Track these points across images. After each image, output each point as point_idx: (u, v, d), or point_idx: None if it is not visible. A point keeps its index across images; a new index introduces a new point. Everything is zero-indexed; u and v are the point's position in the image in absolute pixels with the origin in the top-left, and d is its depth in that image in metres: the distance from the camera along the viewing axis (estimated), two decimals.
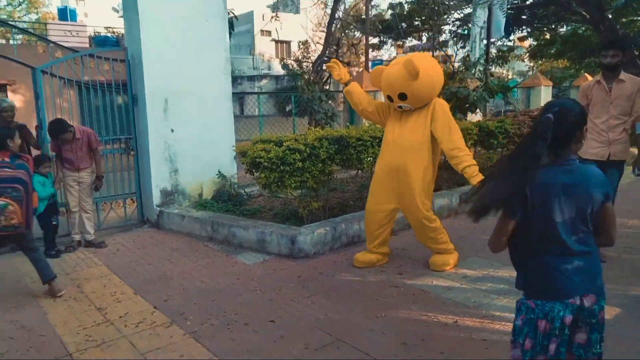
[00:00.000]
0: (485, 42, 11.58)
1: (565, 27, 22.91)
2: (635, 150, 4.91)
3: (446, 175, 6.74)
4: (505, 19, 11.88)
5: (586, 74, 14.52)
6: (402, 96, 3.97)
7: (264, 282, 4.14)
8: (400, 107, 4.08)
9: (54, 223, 5.06)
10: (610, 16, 15.83)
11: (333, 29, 11.90)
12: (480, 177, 3.75)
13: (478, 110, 8.36)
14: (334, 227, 5.00)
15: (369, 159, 5.41)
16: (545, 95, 11.92)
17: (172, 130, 6.11)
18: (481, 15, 11.10)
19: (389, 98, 4.12)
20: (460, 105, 6.91)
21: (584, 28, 21.51)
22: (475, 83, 8.21)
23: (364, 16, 18.06)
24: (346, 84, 4.43)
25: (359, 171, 6.35)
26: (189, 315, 3.51)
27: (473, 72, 10.22)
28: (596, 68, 23.98)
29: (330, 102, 10.73)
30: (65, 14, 23.56)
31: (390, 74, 4.10)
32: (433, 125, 3.98)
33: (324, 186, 5.71)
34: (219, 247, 5.17)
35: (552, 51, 24.76)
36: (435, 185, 5.05)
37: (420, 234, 4.35)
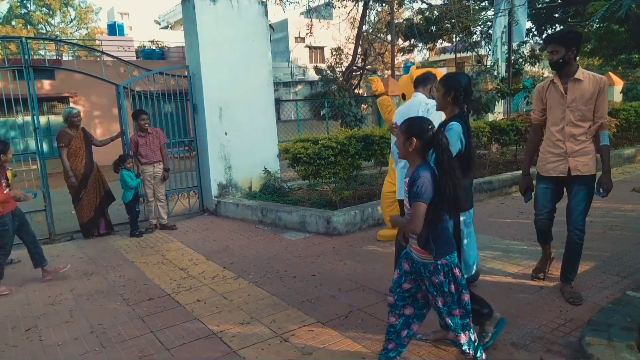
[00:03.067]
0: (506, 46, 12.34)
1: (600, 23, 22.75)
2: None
3: None
4: (526, 23, 12.59)
5: (610, 73, 14.92)
6: (404, 96, 5.11)
7: (306, 252, 5.21)
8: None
9: (137, 210, 6.31)
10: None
11: (360, 41, 12.95)
12: None
13: (498, 109, 9.21)
14: (362, 211, 6.03)
15: (390, 153, 6.39)
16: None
17: (226, 134, 7.29)
18: (501, 21, 11.87)
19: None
20: (474, 107, 7.82)
21: (617, 25, 21.35)
22: (491, 85, 9.07)
23: (395, 21, 19.03)
24: (379, 95, 5.53)
25: (382, 165, 7.32)
26: (251, 272, 4.62)
27: (495, 74, 11.04)
28: (628, 65, 23.98)
29: (362, 105, 11.72)
30: (114, 29, 25.33)
31: (402, 79, 5.36)
32: None
33: (354, 179, 6.75)
34: (268, 228, 6.29)
35: (586, 49, 24.90)
36: None
37: None
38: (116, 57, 6.96)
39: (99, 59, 7.81)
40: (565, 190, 3.65)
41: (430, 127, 2.46)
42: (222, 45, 7.21)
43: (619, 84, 13.74)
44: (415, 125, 2.49)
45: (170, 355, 3.12)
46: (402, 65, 27.85)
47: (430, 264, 2.52)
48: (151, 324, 3.60)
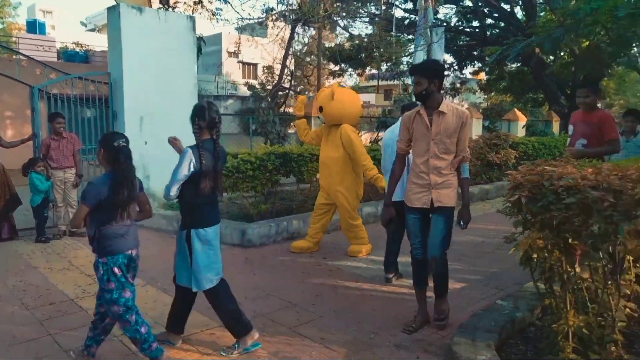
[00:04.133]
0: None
1: (514, 64, 24.69)
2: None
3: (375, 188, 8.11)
4: (442, 58, 13.62)
5: (515, 109, 16.40)
6: (320, 109, 5.54)
7: None
8: (319, 117, 5.57)
9: (45, 215, 6.11)
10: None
11: (288, 62, 13.42)
12: (380, 177, 5.19)
13: None
14: (277, 224, 6.25)
15: (308, 171, 6.71)
16: (475, 126, 13.64)
17: (146, 143, 7.26)
18: (420, 54, 12.74)
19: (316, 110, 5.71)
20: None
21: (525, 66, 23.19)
22: None
23: (327, 44, 19.76)
24: (299, 118, 5.88)
25: (302, 182, 7.62)
26: (159, 280, 4.67)
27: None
28: (534, 104, 26.36)
29: (292, 123, 12.03)
30: (34, 27, 23.84)
31: (321, 93, 5.80)
32: (344, 146, 5.35)
33: (274, 194, 6.97)
34: None
35: (501, 86, 27.10)
36: (366, 196, 6.46)
37: (344, 226, 5.66)
38: (32, 58, 6.75)
39: (14, 57, 7.50)
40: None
41: (118, 141, 2.90)
42: (147, 55, 7.23)
43: (522, 120, 15.17)
44: (106, 139, 2.97)
45: (67, 357, 3.13)
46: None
47: (95, 260, 2.91)
48: (50, 328, 3.57)
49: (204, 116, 3.17)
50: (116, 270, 2.87)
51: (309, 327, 3.63)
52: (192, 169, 3.08)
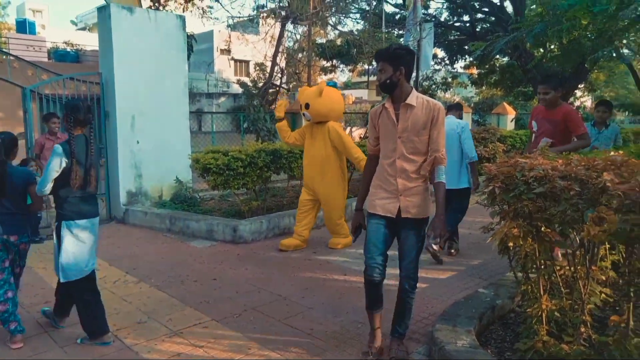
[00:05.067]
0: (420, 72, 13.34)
1: (505, 58, 24.77)
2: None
3: None
4: (431, 53, 13.74)
5: (504, 103, 16.57)
6: (307, 105, 5.52)
7: (210, 258, 5.44)
8: (304, 114, 5.58)
9: (38, 215, 6.17)
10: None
11: (278, 60, 13.53)
12: None
13: None
14: (268, 220, 6.36)
15: (298, 167, 6.82)
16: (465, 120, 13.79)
17: (138, 142, 7.34)
18: None
19: (301, 107, 5.64)
20: None
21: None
22: None
23: (319, 40, 19.81)
24: (279, 120, 5.91)
25: (293, 179, 7.72)
26: (152, 277, 4.77)
27: None
28: (524, 97, 26.53)
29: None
30: (24, 26, 23.63)
31: (307, 89, 5.85)
32: (332, 143, 5.46)
33: (266, 191, 7.07)
34: (175, 236, 6.43)
35: (492, 80, 27.27)
36: (355, 191, 6.57)
37: (327, 220, 5.80)
38: (22, 59, 6.80)
39: (5, 59, 7.55)
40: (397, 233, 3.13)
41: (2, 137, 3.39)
42: (138, 55, 7.29)
43: (511, 113, 15.35)
44: None
45: (64, 352, 3.23)
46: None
47: None
48: (47, 325, 3.67)
49: (79, 113, 3.34)
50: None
51: (298, 319, 3.75)
52: (63, 164, 3.22)
